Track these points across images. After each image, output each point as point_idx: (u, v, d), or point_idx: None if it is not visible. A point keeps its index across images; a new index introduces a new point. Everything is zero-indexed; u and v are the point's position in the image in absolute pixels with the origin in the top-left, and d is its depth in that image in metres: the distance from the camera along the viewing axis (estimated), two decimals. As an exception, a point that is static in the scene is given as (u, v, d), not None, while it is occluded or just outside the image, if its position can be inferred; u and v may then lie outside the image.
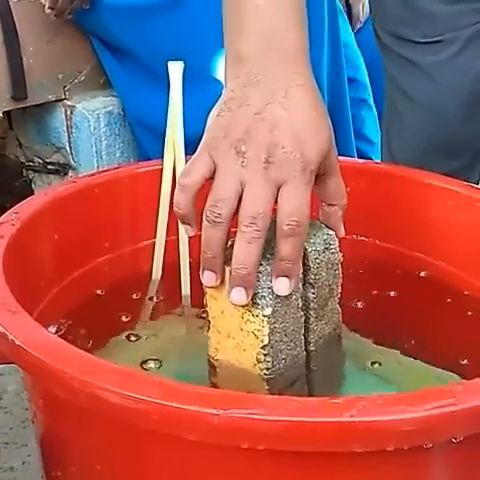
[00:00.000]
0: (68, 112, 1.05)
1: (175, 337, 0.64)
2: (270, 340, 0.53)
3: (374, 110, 1.15)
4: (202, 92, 0.98)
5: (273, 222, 0.59)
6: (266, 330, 0.53)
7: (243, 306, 0.53)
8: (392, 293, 0.70)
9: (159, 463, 0.43)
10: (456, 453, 0.42)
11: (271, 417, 0.39)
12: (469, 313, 0.65)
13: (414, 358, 0.60)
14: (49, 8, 0.97)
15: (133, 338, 0.63)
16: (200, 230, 0.54)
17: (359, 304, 0.68)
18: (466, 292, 0.68)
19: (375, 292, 0.70)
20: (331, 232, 0.59)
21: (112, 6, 0.99)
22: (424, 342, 0.63)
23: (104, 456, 0.46)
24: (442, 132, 0.86)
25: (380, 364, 0.59)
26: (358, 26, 1.14)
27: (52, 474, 0.54)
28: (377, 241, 0.76)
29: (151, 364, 0.58)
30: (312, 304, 0.57)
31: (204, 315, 0.58)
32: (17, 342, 0.43)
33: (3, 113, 1.10)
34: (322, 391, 0.57)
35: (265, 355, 0.53)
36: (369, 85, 1.12)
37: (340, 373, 0.60)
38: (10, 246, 0.55)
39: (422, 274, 0.71)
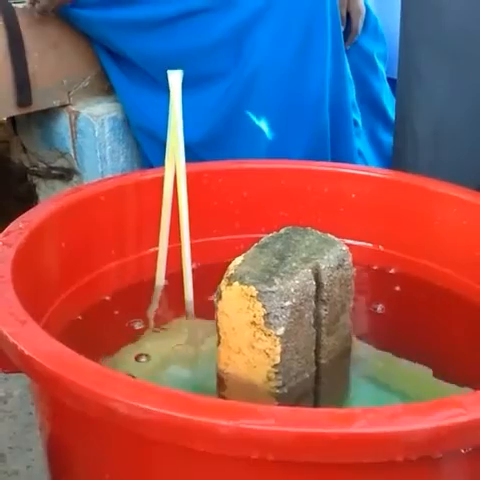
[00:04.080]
0: (73, 117, 1.05)
1: (179, 345, 0.64)
2: (282, 359, 0.53)
3: (360, 128, 1.15)
4: (204, 98, 0.98)
5: (287, 237, 0.59)
6: (278, 349, 0.53)
7: (255, 324, 0.53)
8: (396, 300, 0.71)
9: (168, 474, 0.44)
10: (465, 463, 0.43)
11: (281, 428, 0.39)
12: (476, 320, 0.65)
13: (422, 367, 0.60)
14: (30, 3, 0.96)
15: (138, 345, 0.63)
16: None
17: (364, 311, 0.68)
18: (471, 298, 0.68)
19: (379, 299, 0.70)
20: (345, 248, 0.59)
21: (109, 19, 1.00)
22: (430, 350, 0.63)
23: (113, 466, 0.46)
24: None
25: (388, 374, 0.59)
26: (353, 40, 1.14)
27: (59, 482, 0.54)
28: (381, 247, 0.76)
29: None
30: (324, 321, 0.57)
31: (207, 323, 0.58)
32: (27, 352, 0.43)
33: (7, 118, 1.09)
34: (330, 403, 0.57)
35: (276, 373, 0.53)
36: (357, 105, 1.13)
37: (348, 385, 0.60)
38: (18, 255, 0.55)
39: (426, 280, 0.72)
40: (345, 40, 1.07)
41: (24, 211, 0.63)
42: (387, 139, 1.19)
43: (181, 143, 0.68)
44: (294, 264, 0.56)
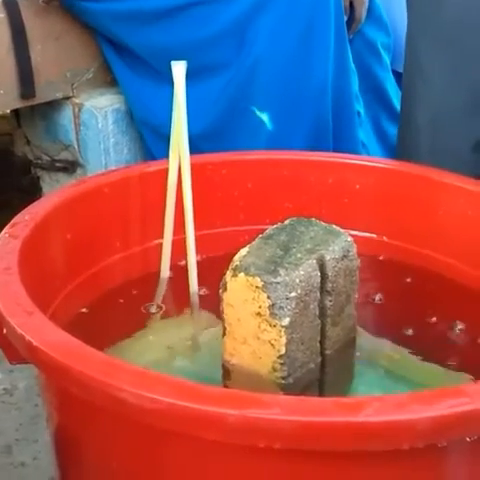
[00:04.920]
0: (76, 110, 1.05)
1: (184, 336, 0.65)
2: (287, 350, 0.53)
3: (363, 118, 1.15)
4: (205, 90, 0.98)
5: (292, 228, 0.59)
6: (284, 340, 0.53)
7: (260, 315, 0.53)
8: (400, 290, 0.71)
9: (176, 462, 0.44)
10: (470, 452, 0.43)
11: (287, 417, 0.39)
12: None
13: (426, 357, 0.60)
14: None
15: (143, 336, 0.63)
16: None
17: (368, 301, 0.68)
18: (476, 288, 0.68)
19: (383, 289, 0.70)
20: (349, 239, 0.59)
21: (112, 11, 0.99)
22: (435, 340, 0.63)
23: (121, 455, 0.46)
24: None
25: (393, 364, 0.59)
26: (355, 29, 1.13)
27: (67, 473, 0.54)
28: (385, 238, 0.76)
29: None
30: (329, 311, 0.57)
31: (212, 314, 0.58)
32: (34, 343, 0.44)
33: (11, 111, 1.10)
34: (335, 393, 0.57)
35: (281, 364, 0.54)
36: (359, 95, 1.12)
37: (352, 374, 0.60)
38: (24, 246, 0.55)
39: (431, 270, 0.72)
40: (348, 29, 1.06)
41: (28, 204, 0.63)
42: (391, 129, 1.18)
43: (185, 134, 0.68)
44: (299, 255, 0.56)
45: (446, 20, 0.86)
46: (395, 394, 0.42)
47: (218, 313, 0.58)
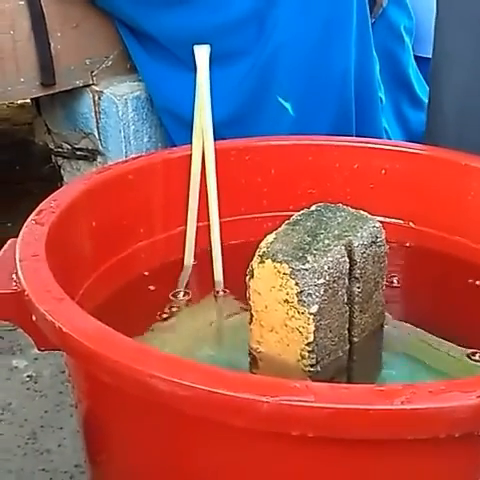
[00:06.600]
0: (96, 97, 1.05)
1: (210, 323, 0.64)
2: (315, 337, 0.53)
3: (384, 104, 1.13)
4: (226, 76, 0.97)
5: (319, 214, 0.59)
6: (312, 328, 0.52)
7: (288, 302, 0.53)
8: (429, 277, 0.70)
9: (207, 450, 0.44)
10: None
11: (321, 404, 0.39)
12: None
13: (453, 343, 0.59)
14: None
15: (169, 324, 0.63)
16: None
17: (395, 287, 0.67)
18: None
19: (411, 276, 0.69)
20: (378, 225, 0.58)
21: None
22: (463, 327, 0.62)
23: (150, 442, 0.46)
24: None
25: (422, 352, 0.58)
26: (378, 12, 1.11)
27: (95, 459, 0.54)
28: (412, 224, 0.75)
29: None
30: (357, 298, 0.57)
31: (237, 302, 0.58)
32: (64, 329, 0.44)
33: (31, 99, 1.09)
34: (364, 381, 0.56)
35: (310, 352, 0.53)
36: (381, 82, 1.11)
37: (380, 362, 0.60)
38: (51, 233, 0.55)
39: (459, 257, 0.71)
40: (370, 13, 1.05)
41: (49, 192, 0.62)
42: (412, 115, 1.17)
43: (209, 120, 0.67)
44: (327, 241, 0.55)
45: (473, 5, 0.84)
46: (429, 382, 0.41)
47: (243, 300, 0.57)
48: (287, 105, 0.97)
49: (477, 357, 0.57)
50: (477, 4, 0.84)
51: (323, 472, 0.42)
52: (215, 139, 0.69)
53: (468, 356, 0.57)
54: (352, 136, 0.97)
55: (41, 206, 0.58)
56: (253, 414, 0.39)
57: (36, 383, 0.89)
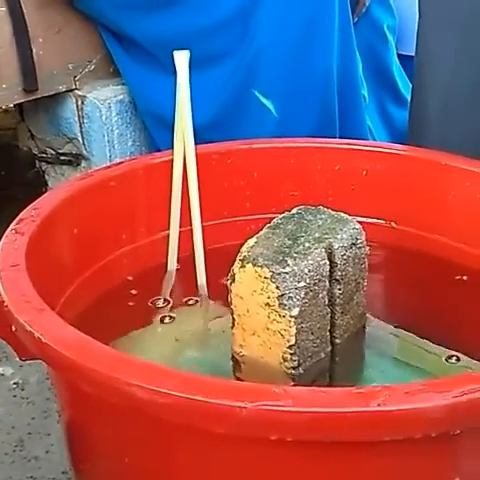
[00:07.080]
0: (79, 102, 1.05)
1: (192, 328, 0.64)
2: (297, 340, 0.53)
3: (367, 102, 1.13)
4: (210, 78, 0.97)
5: (300, 217, 0.59)
6: (293, 330, 0.53)
7: (269, 306, 0.53)
8: (411, 277, 0.70)
9: (187, 456, 0.44)
10: (484, 439, 0.43)
11: (299, 408, 0.39)
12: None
13: (436, 343, 0.60)
14: None
15: (152, 329, 0.63)
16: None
17: (377, 288, 0.68)
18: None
19: (392, 275, 0.70)
20: (358, 226, 0.58)
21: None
22: (445, 326, 0.63)
23: (132, 449, 0.46)
24: None
25: (403, 352, 0.59)
26: (360, 12, 1.12)
27: (80, 467, 0.54)
28: (393, 224, 0.75)
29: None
30: (338, 300, 0.57)
31: (221, 305, 0.58)
32: (44, 340, 0.44)
33: (15, 105, 1.09)
34: (346, 382, 0.57)
35: (291, 354, 0.54)
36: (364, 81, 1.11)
37: (362, 363, 0.60)
38: (31, 242, 0.55)
39: (440, 256, 0.71)
40: (353, 12, 1.05)
41: (33, 198, 0.62)
42: (396, 113, 1.17)
43: (190, 125, 0.67)
44: (307, 244, 0.56)
45: (454, 1, 0.84)
46: (406, 383, 0.41)
47: (226, 304, 0.58)
48: (270, 107, 0.98)
49: (454, 360, 0.57)
50: (459, 3, 0.85)
51: (303, 475, 0.42)
52: (199, 142, 0.69)
53: (447, 358, 0.58)
54: (336, 135, 0.98)
55: (21, 215, 0.58)
56: (232, 420, 0.39)
57: (23, 390, 0.88)
